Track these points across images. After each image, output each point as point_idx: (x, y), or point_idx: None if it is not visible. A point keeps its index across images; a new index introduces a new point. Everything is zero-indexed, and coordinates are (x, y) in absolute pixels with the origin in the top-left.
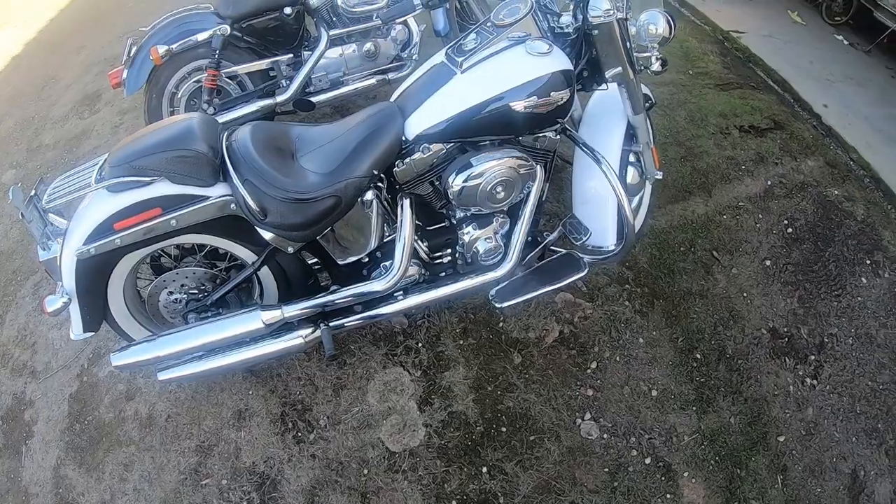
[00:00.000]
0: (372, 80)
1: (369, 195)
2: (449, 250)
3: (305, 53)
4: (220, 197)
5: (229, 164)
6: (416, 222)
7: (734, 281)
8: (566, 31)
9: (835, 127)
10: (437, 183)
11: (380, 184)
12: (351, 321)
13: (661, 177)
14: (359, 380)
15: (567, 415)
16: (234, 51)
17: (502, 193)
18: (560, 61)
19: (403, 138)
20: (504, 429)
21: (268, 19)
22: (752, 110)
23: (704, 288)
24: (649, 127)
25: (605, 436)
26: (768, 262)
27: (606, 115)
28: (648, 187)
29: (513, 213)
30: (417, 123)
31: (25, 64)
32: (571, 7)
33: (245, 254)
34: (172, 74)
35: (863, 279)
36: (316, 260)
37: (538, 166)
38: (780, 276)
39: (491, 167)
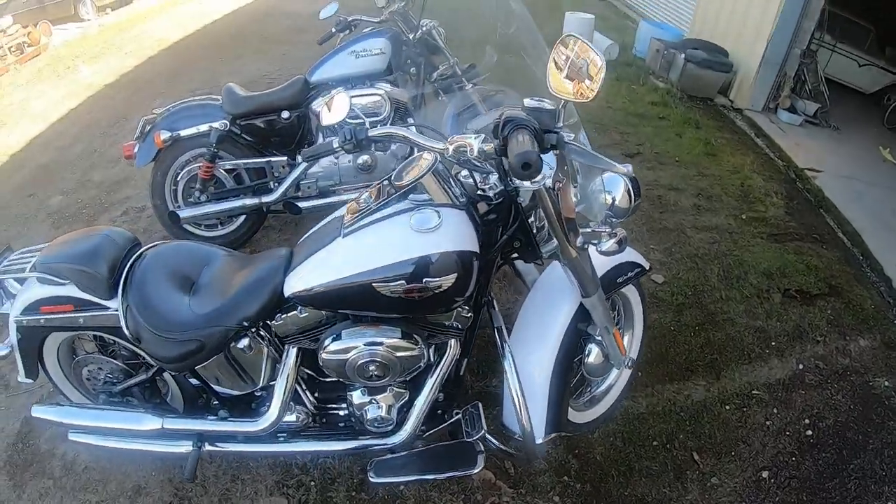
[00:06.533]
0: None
1: (244, 342)
2: (343, 405)
3: (299, 157)
4: (115, 310)
5: (122, 285)
6: (308, 371)
7: (710, 494)
8: (488, 193)
9: None
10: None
11: (261, 332)
12: (227, 449)
13: (630, 365)
14: (244, 498)
15: None
16: (234, 145)
17: (376, 372)
18: (448, 241)
19: (283, 294)
20: None
21: (265, 120)
22: (807, 270)
23: (667, 498)
24: (640, 306)
25: None
26: (766, 474)
27: (562, 282)
28: (622, 373)
29: (417, 382)
30: (295, 282)
31: (110, 96)
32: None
33: (146, 356)
34: (176, 157)
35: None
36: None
37: (452, 340)
38: (776, 493)
39: (360, 345)
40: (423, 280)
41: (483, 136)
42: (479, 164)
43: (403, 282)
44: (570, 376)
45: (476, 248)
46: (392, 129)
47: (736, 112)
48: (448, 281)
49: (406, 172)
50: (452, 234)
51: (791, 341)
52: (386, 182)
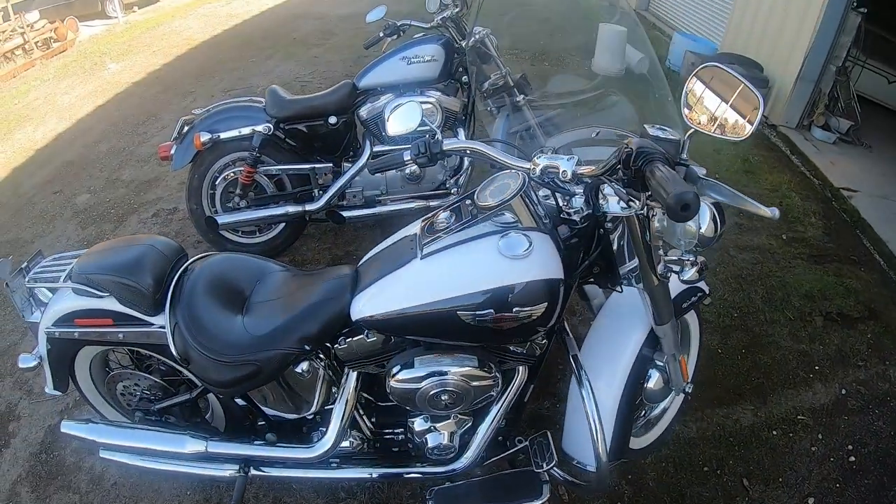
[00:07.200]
0: (411, 205)
1: (304, 366)
2: (401, 430)
3: (345, 165)
4: (160, 327)
5: (169, 301)
6: (366, 396)
7: None
8: (573, 217)
9: None
10: (383, 368)
11: (321, 355)
12: (276, 474)
13: (689, 390)
14: None
15: None
16: (276, 149)
17: (448, 401)
18: (539, 268)
19: (349, 316)
20: None
21: (310, 125)
22: (847, 292)
23: None
24: (697, 331)
25: None
26: (811, 501)
27: (631, 308)
28: (678, 399)
29: (481, 409)
30: (363, 306)
31: (138, 94)
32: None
33: (193, 377)
34: (215, 161)
35: None
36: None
37: (520, 367)
38: None
39: (435, 374)
40: (514, 309)
41: (575, 157)
42: (561, 186)
43: (492, 311)
44: (635, 403)
45: (562, 275)
46: (469, 144)
47: (770, 128)
48: (538, 310)
49: (489, 192)
50: (543, 260)
51: (833, 365)
52: (468, 202)
